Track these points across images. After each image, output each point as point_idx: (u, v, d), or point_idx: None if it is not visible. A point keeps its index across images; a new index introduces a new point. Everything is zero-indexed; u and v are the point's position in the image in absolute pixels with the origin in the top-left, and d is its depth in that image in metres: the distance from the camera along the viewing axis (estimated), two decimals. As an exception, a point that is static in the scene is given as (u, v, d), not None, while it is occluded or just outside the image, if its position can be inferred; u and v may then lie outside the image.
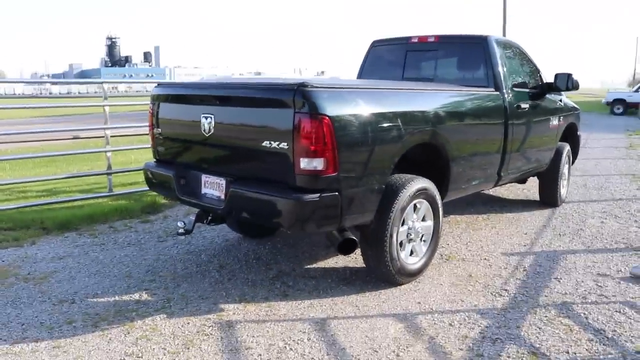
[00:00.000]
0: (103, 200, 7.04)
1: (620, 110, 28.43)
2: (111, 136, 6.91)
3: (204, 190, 4.19)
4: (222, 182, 4.00)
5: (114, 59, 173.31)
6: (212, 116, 3.97)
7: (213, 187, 4.10)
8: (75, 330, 3.59)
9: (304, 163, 3.45)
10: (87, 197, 7.01)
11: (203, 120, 4.02)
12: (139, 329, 3.60)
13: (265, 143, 3.62)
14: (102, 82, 6.73)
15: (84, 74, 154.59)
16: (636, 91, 28.83)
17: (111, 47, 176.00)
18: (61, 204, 6.80)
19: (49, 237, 5.73)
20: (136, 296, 4.16)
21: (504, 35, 29.72)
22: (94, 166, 9.36)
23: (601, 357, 3.30)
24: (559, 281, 4.51)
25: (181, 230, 4.20)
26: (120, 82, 9.58)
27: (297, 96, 3.44)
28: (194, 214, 4.39)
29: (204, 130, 4.03)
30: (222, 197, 3.99)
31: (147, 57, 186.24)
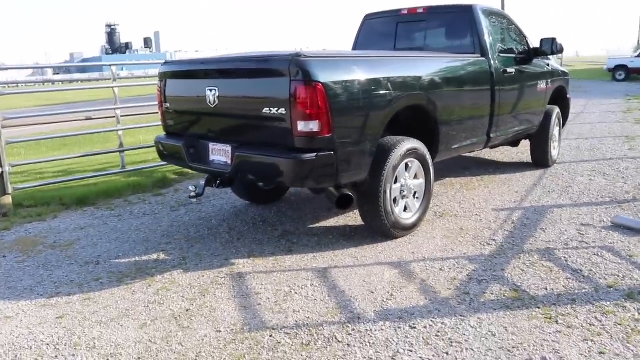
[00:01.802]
0: (116, 178, 7.43)
1: (622, 77, 28.41)
2: (121, 116, 7.27)
3: (211, 157, 4.56)
4: (228, 148, 4.37)
5: (115, 46, 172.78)
6: (216, 89, 4.33)
7: (220, 153, 4.47)
8: (102, 285, 4.00)
9: (301, 126, 3.82)
10: (102, 174, 7.39)
11: (208, 93, 4.38)
12: (159, 282, 4.00)
13: (266, 110, 3.98)
14: (109, 65, 7.08)
15: (85, 62, 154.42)
16: (638, 56, 28.77)
17: (111, 34, 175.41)
18: (77, 182, 7.20)
19: (69, 212, 6.13)
20: (154, 256, 4.55)
21: (503, 6, 29.72)
22: (104, 147, 9.74)
23: (576, 291, 3.66)
24: (544, 231, 4.87)
25: (192, 194, 4.58)
26: (125, 64, 9.90)
27: (292, 66, 3.80)
28: (203, 178, 4.77)
29: (209, 102, 4.39)
30: (229, 162, 4.36)
31: (147, 42, 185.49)
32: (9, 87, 8.04)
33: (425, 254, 4.41)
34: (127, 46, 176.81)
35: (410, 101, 4.61)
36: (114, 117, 7.33)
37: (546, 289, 3.71)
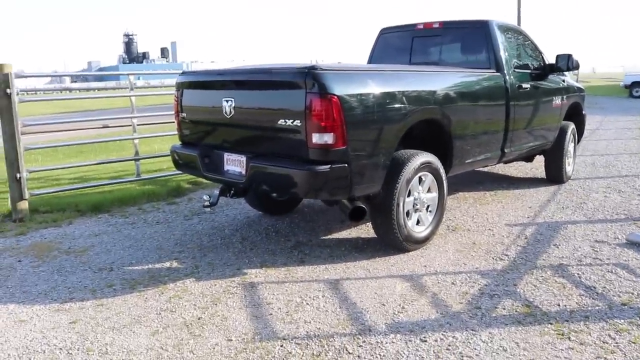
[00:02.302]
0: (131, 185, 7.51)
1: (639, 93, 28.27)
2: (137, 124, 7.36)
3: (226, 167, 4.60)
4: (243, 159, 4.41)
5: (132, 55, 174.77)
6: (233, 99, 4.38)
7: (235, 163, 4.51)
8: (115, 291, 4.04)
9: (316, 138, 3.85)
10: (117, 181, 7.48)
11: (224, 103, 4.43)
12: (172, 290, 4.03)
13: (281, 122, 4.02)
14: (127, 74, 7.18)
15: (102, 71, 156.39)
16: (655, 73, 28.60)
17: (128, 43, 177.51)
18: (93, 189, 7.28)
19: (84, 218, 6.20)
20: (167, 264, 4.59)
21: (519, 21, 29.71)
22: (120, 155, 9.84)
23: (589, 308, 3.64)
24: (557, 247, 4.84)
25: (206, 203, 4.62)
26: (143, 74, 9.99)
27: (308, 78, 3.84)
28: (217, 188, 4.81)
29: (225, 113, 4.43)
30: (243, 172, 4.39)
31: (164, 52, 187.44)
32: (28, 94, 8.17)
33: (438, 267, 4.40)
34: (144, 56, 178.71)
35: (424, 115, 4.63)
36: (130, 125, 7.41)
37: (559, 305, 3.69)
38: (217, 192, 4.69)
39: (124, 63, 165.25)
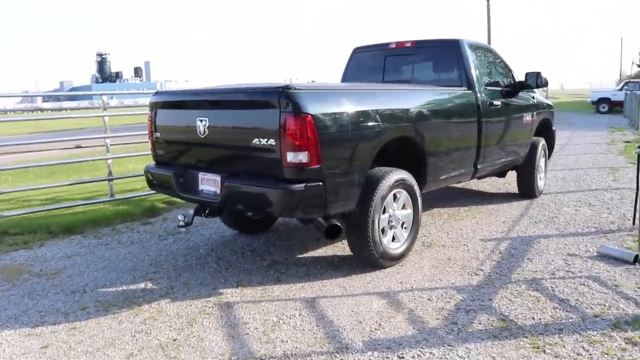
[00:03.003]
0: (105, 206, 7.41)
1: (606, 109, 28.99)
2: (110, 144, 7.30)
3: (201, 187, 4.58)
4: (218, 178, 4.39)
5: (105, 74, 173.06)
6: (207, 119, 4.38)
7: (209, 183, 4.49)
8: (88, 314, 3.97)
9: (290, 156, 3.86)
10: (90, 202, 7.39)
11: (198, 123, 4.42)
12: (146, 312, 3.98)
13: (255, 141, 4.03)
14: (100, 94, 7.12)
15: (75, 91, 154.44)
16: (620, 89, 29.38)
17: (101, 63, 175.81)
18: (65, 210, 7.16)
19: (56, 240, 6.09)
20: (142, 285, 4.53)
21: (489, 39, 30.30)
22: (93, 175, 9.72)
23: (563, 321, 3.69)
24: (531, 261, 4.91)
25: (181, 223, 4.58)
26: (116, 94, 9.85)
27: (282, 97, 3.86)
28: (192, 208, 4.78)
29: (200, 132, 4.43)
30: (218, 191, 4.37)
31: (137, 72, 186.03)
32: (-2, 115, 8.07)
33: (414, 283, 4.43)
34: (118, 75, 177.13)
35: (398, 133, 4.69)
36: (103, 145, 7.34)
37: (533, 318, 3.73)
38: (191, 212, 4.66)
39: (97, 82, 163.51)
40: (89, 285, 4.59)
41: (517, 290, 4.23)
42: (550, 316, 3.77)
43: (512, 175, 7.77)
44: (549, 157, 8.12)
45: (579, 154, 12.37)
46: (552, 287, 4.30)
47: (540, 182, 7.67)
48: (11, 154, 8.82)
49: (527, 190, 7.47)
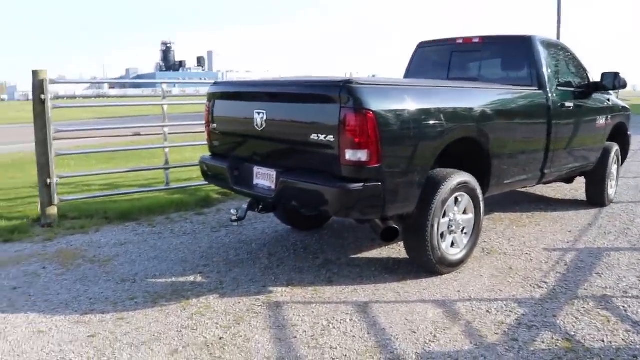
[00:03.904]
0: (160, 194, 7.46)
1: (682, 114, 27.42)
2: (169, 133, 7.32)
3: (255, 181, 4.48)
4: (273, 173, 4.27)
5: (169, 63, 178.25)
6: (265, 112, 4.26)
7: (264, 178, 4.38)
8: (136, 305, 3.93)
9: (349, 154, 3.69)
10: (146, 190, 7.45)
11: (256, 115, 4.31)
12: (194, 306, 3.91)
13: (313, 136, 3.88)
14: (161, 83, 7.15)
15: (140, 78, 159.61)
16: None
17: (166, 52, 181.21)
18: (122, 196, 7.25)
19: (111, 226, 6.15)
20: (191, 278, 4.47)
21: (558, 36, 29.14)
22: (151, 163, 9.84)
23: (637, 346, 3.39)
24: (600, 276, 4.58)
25: (234, 217, 4.49)
26: (177, 82, 9.87)
27: (343, 92, 3.69)
28: (246, 202, 4.69)
29: (257, 125, 4.32)
30: (273, 187, 4.26)
31: (200, 61, 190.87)
32: (66, 99, 8.24)
33: (472, 293, 4.19)
34: (181, 64, 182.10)
35: (462, 133, 4.44)
36: (161, 133, 7.37)
37: (603, 341, 3.44)
38: (245, 206, 4.56)
39: (161, 71, 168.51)
40: (139, 274, 4.57)
41: (584, 308, 3.93)
42: (623, 340, 3.47)
43: (579, 181, 7.34)
44: (622, 163, 7.63)
45: (653, 161, 11.67)
46: (624, 306, 3.97)
47: (611, 190, 7.22)
48: (74, 139, 9.00)
49: (596, 198, 7.05)
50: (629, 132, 7.65)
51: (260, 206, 4.54)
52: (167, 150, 7.31)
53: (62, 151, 6.60)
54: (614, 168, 7.15)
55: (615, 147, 7.07)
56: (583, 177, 7.05)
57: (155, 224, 6.27)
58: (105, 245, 5.40)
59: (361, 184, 3.71)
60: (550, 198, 7.68)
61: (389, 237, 4.15)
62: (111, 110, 30.19)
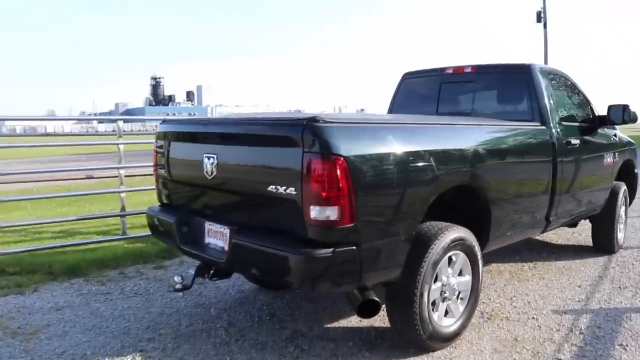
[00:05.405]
0: (119, 243, 6.65)
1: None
2: (126, 176, 6.53)
3: (207, 240, 3.70)
4: (226, 231, 3.50)
5: (158, 98, 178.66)
6: (215, 156, 3.50)
7: (217, 236, 3.60)
8: (49, 404, 3.09)
9: (315, 212, 2.92)
10: (101, 240, 6.63)
11: (205, 160, 3.55)
12: (122, 405, 3.07)
13: (271, 188, 3.11)
14: (117, 119, 6.40)
15: (129, 113, 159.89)
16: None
17: (155, 86, 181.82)
18: (74, 247, 6.42)
19: (53, 284, 5.34)
20: (128, 358, 3.65)
21: (546, 64, 28.86)
22: (115, 206, 9.02)
23: None
24: (625, 349, 3.80)
25: (178, 286, 3.68)
26: (133, 119, 9.04)
27: (307, 133, 2.93)
28: (194, 267, 3.88)
29: (207, 172, 3.55)
30: (226, 248, 3.48)
31: (189, 96, 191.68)
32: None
33: (472, 378, 3.39)
34: (170, 98, 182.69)
35: (457, 180, 3.69)
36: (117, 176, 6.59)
37: None
38: (192, 271, 3.75)
39: (150, 105, 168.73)
40: (65, 353, 3.73)
41: (613, 398, 3.14)
42: None
43: (582, 224, 6.61)
44: (629, 204, 6.92)
45: (655, 197, 10.98)
46: (660, 393, 3.19)
47: (620, 235, 6.49)
48: (31, 182, 8.21)
49: (604, 244, 6.31)
50: (636, 170, 6.96)
51: (212, 271, 3.72)
52: (123, 195, 6.51)
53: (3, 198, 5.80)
54: (622, 210, 6.44)
55: (623, 187, 6.38)
56: (588, 220, 6.33)
57: (105, 280, 5.45)
58: (38, 311, 4.56)
59: (331, 249, 2.93)
60: (552, 244, 6.92)
61: (368, 312, 3.34)
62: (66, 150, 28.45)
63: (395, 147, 3.28)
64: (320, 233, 2.96)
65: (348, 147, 2.97)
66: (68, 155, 24.37)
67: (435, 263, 3.50)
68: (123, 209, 6.54)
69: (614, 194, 6.13)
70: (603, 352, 3.74)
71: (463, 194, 3.90)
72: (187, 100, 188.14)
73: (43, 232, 7.37)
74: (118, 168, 6.40)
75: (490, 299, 4.82)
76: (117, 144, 6.38)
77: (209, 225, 3.68)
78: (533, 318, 4.37)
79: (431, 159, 3.46)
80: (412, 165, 3.33)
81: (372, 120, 3.49)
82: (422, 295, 3.43)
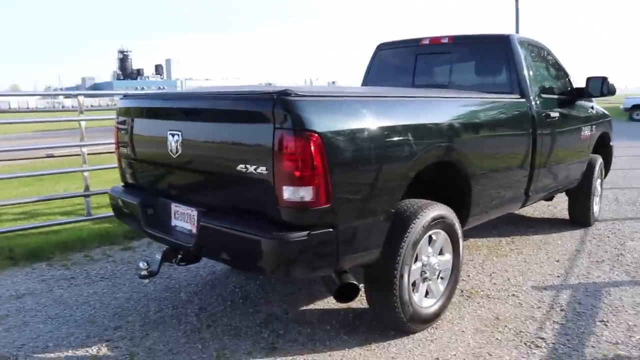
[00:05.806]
0: (84, 224, 6.37)
1: (640, 117, 27.42)
2: (89, 154, 6.23)
3: (173, 222, 3.48)
4: (194, 213, 3.28)
5: (126, 72, 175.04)
6: (180, 133, 3.26)
7: (184, 218, 3.38)
8: (5, 402, 2.88)
9: (288, 193, 2.72)
10: (65, 221, 6.34)
11: (170, 138, 3.32)
12: (85, 401, 2.88)
13: (241, 167, 2.90)
14: (77, 95, 6.06)
15: (96, 87, 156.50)
16: (657, 95, 27.82)
17: (123, 60, 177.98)
18: (36, 229, 6.12)
19: (14, 269, 5.06)
20: (94, 350, 3.44)
21: (517, 30, 28.84)
22: (82, 185, 8.70)
23: None
24: (606, 325, 3.73)
25: (144, 273, 3.46)
26: (110, 94, 8.62)
27: (278, 107, 2.71)
28: (160, 251, 3.66)
29: (171, 150, 3.32)
30: (194, 231, 3.26)
31: (158, 69, 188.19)
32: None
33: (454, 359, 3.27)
34: (139, 72, 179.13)
35: (436, 154, 3.52)
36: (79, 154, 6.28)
37: None
38: (158, 256, 3.53)
39: (118, 79, 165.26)
40: (25, 346, 3.50)
41: (597, 377, 3.06)
42: None
43: (558, 197, 6.56)
44: (604, 177, 6.88)
45: (625, 168, 11.07)
46: (644, 371, 3.12)
47: (596, 207, 6.46)
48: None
49: (580, 217, 6.27)
50: (611, 143, 6.91)
51: (179, 256, 3.51)
52: (86, 174, 6.21)
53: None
54: (598, 183, 6.39)
55: (600, 160, 6.32)
56: (565, 193, 6.27)
57: (70, 264, 5.20)
58: (-4, 300, 4.31)
59: (306, 232, 2.74)
60: (528, 217, 6.86)
61: (346, 296, 3.18)
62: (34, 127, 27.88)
63: (372, 122, 3.08)
64: (294, 215, 2.77)
65: (322, 123, 2.76)
66: (35, 132, 23.68)
67: (416, 243, 3.34)
68: (87, 188, 6.25)
69: (590, 167, 6.06)
70: (585, 329, 3.66)
71: (442, 170, 3.74)
72: (156, 74, 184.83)
73: (3, 214, 7.05)
74: (80, 146, 6.09)
75: (469, 275, 4.72)
76: (79, 120, 6.05)
77: (175, 207, 3.45)
78: (513, 295, 4.29)
79: (409, 133, 3.27)
80: (389, 140, 3.15)
81: (347, 94, 3.27)
82: (402, 276, 3.29)
